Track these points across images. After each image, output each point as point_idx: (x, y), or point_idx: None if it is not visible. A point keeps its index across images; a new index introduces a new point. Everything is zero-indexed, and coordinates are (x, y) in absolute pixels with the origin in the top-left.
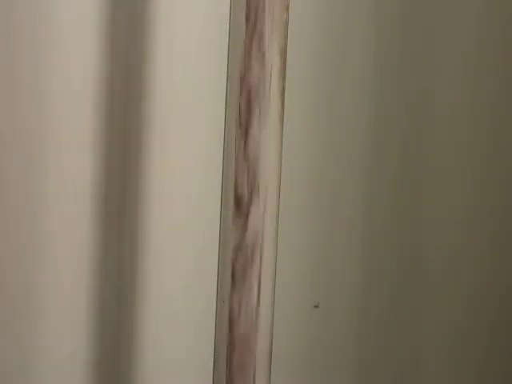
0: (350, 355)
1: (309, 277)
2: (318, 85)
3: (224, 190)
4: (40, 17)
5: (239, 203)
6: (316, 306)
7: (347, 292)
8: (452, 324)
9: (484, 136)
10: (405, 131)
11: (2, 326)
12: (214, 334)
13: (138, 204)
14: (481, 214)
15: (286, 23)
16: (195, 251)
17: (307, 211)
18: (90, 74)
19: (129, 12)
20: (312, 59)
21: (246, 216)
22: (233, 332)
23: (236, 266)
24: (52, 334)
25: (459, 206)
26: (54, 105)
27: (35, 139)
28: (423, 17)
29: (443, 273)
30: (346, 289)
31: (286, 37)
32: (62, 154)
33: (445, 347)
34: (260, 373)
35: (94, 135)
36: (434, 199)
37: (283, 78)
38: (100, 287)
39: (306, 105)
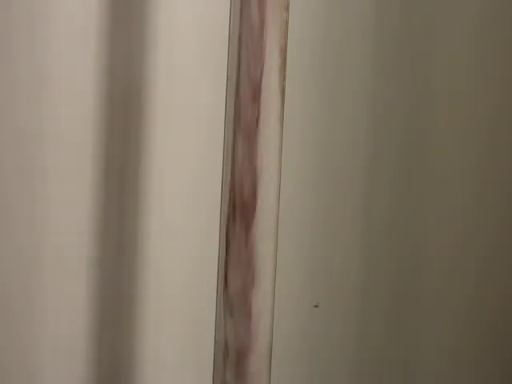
0: (349, 355)
1: (309, 277)
2: (318, 85)
3: (224, 190)
4: (39, 16)
5: (240, 203)
6: (316, 306)
7: (347, 292)
8: (452, 324)
9: (485, 138)
10: (405, 130)
11: (1, 328)
12: (214, 334)
13: (137, 204)
14: (481, 215)
15: (286, 23)
16: (195, 250)
17: (307, 211)
18: (90, 73)
19: (129, 11)
20: (312, 59)
21: (246, 216)
22: (232, 332)
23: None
24: (51, 334)
25: (459, 206)
26: (53, 105)
27: (35, 139)
28: (424, 17)
29: (443, 272)
30: (346, 289)
31: (286, 37)
32: (62, 154)
33: (445, 347)
34: (260, 372)
35: (94, 135)
36: (434, 198)
37: (283, 77)
38: (100, 287)
39: (306, 105)
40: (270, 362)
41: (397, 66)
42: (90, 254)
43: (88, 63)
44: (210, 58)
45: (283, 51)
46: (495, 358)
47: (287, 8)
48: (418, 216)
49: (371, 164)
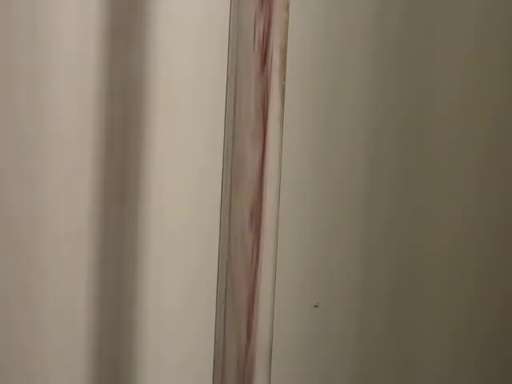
0: (349, 355)
1: (309, 277)
2: (318, 85)
3: (224, 190)
4: (39, 16)
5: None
6: (316, 306)
7: (347, 292)
8: (452, 324)
9: (485, 138)
10: (405, 130)
11: (1, 328)
12: (214, 334)
13: (137, 204)
14: (481, 215)
15: (286, 23)
16: (196, 250)
17: (307, 211)
18: (90, 73)
19: (129, 11)
20: (312, 59)
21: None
22: (232, 332)
23: (236, 266)
24: (50, 336)
25: (459, 206)
26: (53, 105)
27: (35, 139)
28: (424, 17)
29: (443, 272)
30: (346, 289)
31: (285, 37)
32: (62, 154)
33: (445, 347)
34: (260, 373)
35: (94, 135)
36: (434, 199)
37: (283, 77)
38: (99, 287)
39: (306, 105)
40: (270, 362)
41: (397, 65)
42: (89, 253)
43: (88, 63)
44: (210, 58)
45: (283, 51)
46: (495, 358)
47: (287, 8)
48: (418, 216)
49: (371, 164)
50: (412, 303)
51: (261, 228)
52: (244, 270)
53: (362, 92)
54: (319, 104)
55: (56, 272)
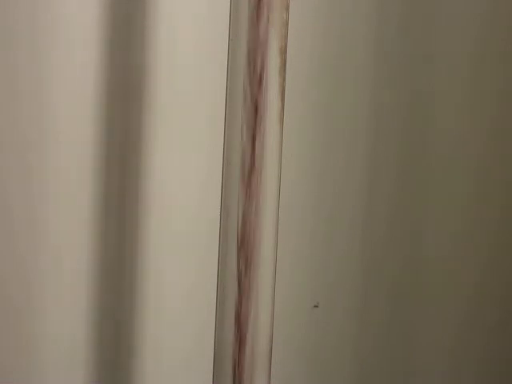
0: (349, 355)
1: (309, 277)
2: (318, 85)
3: (224, 190)
4: (39, 15)
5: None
6: (316, 306)
7: (347, 292)
8: (452, 324)
9: (485, 137)
10: (405, 130)
11: (1, 328)
12: (214, 335)
13: (137, 204)
14: (481, 215)
15: (286, 23)
16: (196, 250)
17: (307, 211)
18: (91, 73)
19: (129, 11)
20: (312, 59)
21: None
22: (232, 332)
23: (236, 267)
24: (50, 335)
25: (459, 206)
26: (54, 105)
27: (35, 139)
28: (424, 17)
29: (443, 273)
30: (346, 289)
31: (285, 37)
32: (62, 154)
33: (445, 347)
34: (260, 373)
35: (94, 136)
36: (434, 198)
37: (283, 78)
38: (100, 287)
39: (306, 105)
40: (270, 362)
41: (397, 65)
42: (89, 254)
43: (88, 63)
44: (210, 58)
45: (283, 51)
46: (495, 358)
47: (287, 8)
48: (418, 216)
49: (371, 164)
50: (412, 303)
51: (260, 228)
52: (244, 270)
53: (362, 92)
54: (319, 104)
55: (56, 273)
